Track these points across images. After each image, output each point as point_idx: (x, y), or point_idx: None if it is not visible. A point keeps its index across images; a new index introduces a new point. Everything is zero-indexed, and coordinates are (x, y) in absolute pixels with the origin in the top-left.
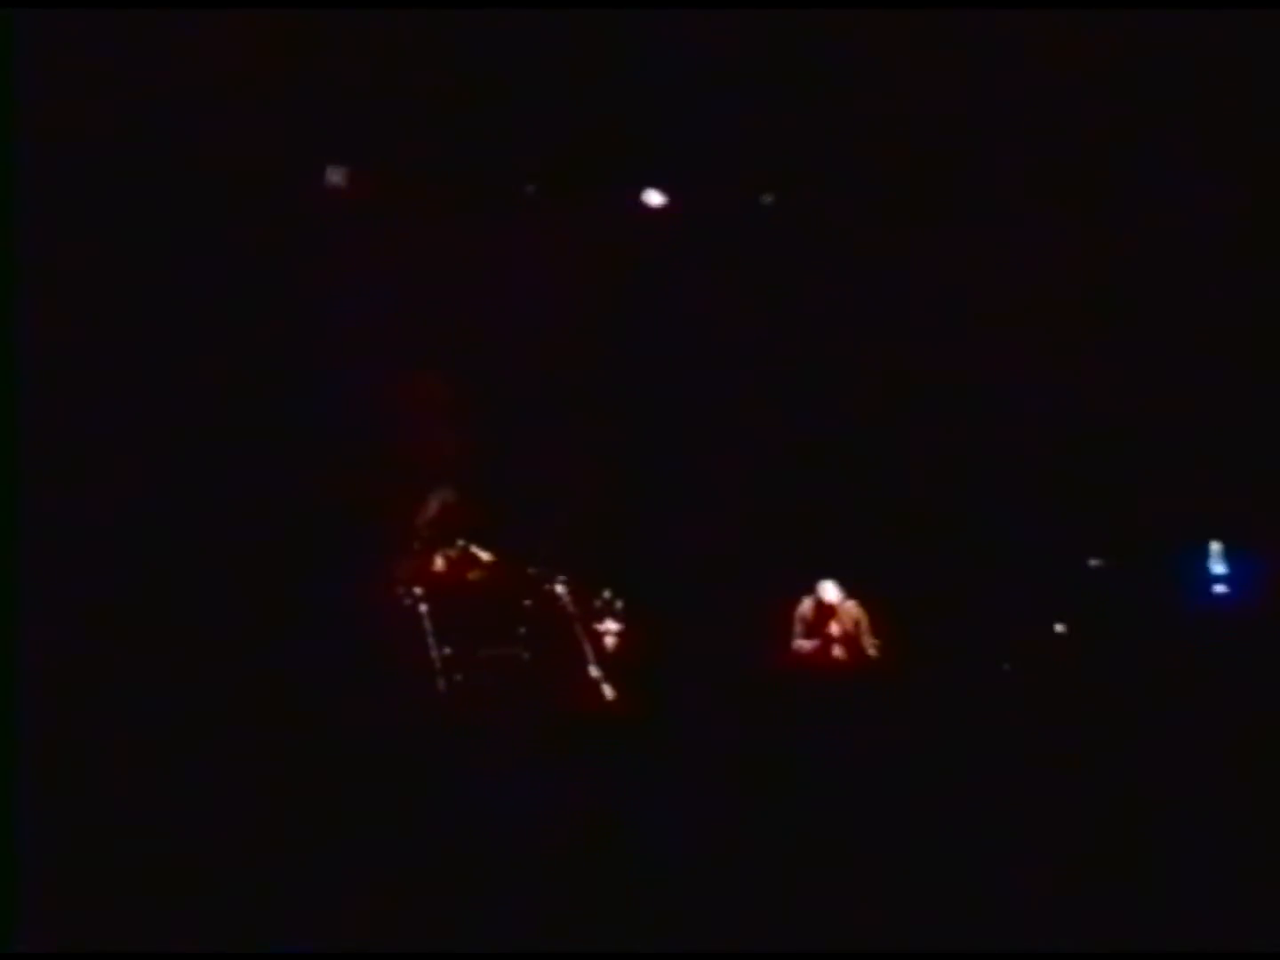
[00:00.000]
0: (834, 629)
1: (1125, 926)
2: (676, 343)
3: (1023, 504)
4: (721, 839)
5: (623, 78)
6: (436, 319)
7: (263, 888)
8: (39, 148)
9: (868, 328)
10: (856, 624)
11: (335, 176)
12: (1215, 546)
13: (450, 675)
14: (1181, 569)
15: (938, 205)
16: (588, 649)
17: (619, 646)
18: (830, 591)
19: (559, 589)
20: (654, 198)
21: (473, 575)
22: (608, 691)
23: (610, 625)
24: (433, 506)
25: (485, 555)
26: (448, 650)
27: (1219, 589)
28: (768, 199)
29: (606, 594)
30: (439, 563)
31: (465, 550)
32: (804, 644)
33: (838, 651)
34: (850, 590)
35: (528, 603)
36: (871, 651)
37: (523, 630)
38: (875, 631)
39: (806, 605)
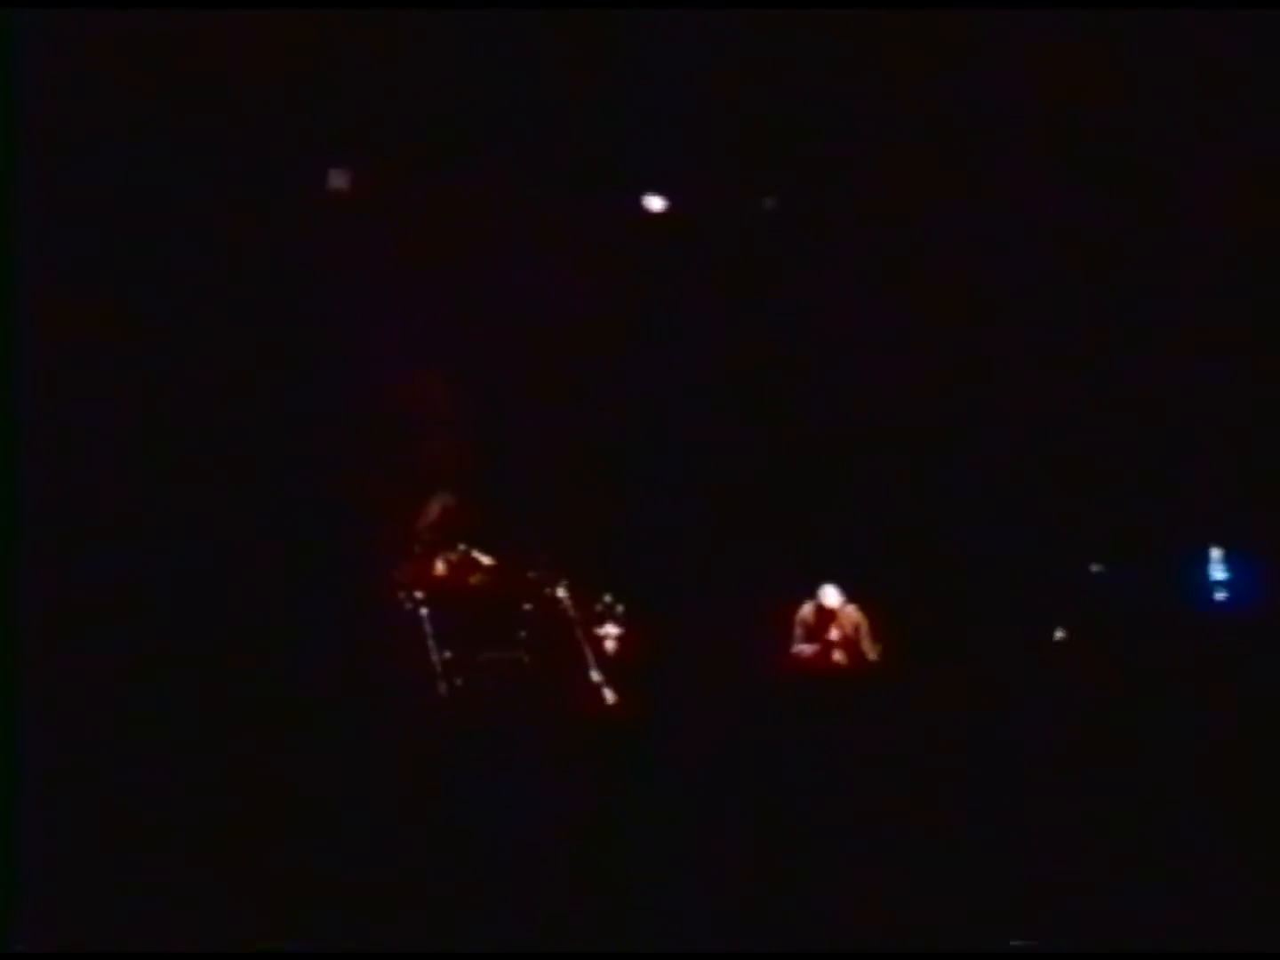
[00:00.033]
0: (834, 634)
1: (1126, 928)
2: (677, 347)
3: (1024, 510)
4: (722, 842)
5: (622, 81)
6: (437, 323)
7: (264, 889)
8: (39, 148)
9: (869, 333)
10: (857, 629)
11: (338, 180)
12: (1216, 552)
13: (451, 679)
14: (1182, 575)
15: (936, 208)
16: (588, 653)
17: (619, 650)
18: (831, 596)
19: (560, 593)
20: (655, 202)
21: (473, 579)
22: (608, 695)
23: (611, 629)
24: (433, 510)
25: (486, 559)
26: (448, 654)
27: (1219, 595)
28: (770, 203)
29: (607, 598)
30: (440, 566)
31: (466, 554)
32: (804, 648)
33: (838, 656)
34: (851, 595)
35: (528, 607)
36: (872, 656)
37: (523, 634)
38: (876, 636)
39: (807, 610)
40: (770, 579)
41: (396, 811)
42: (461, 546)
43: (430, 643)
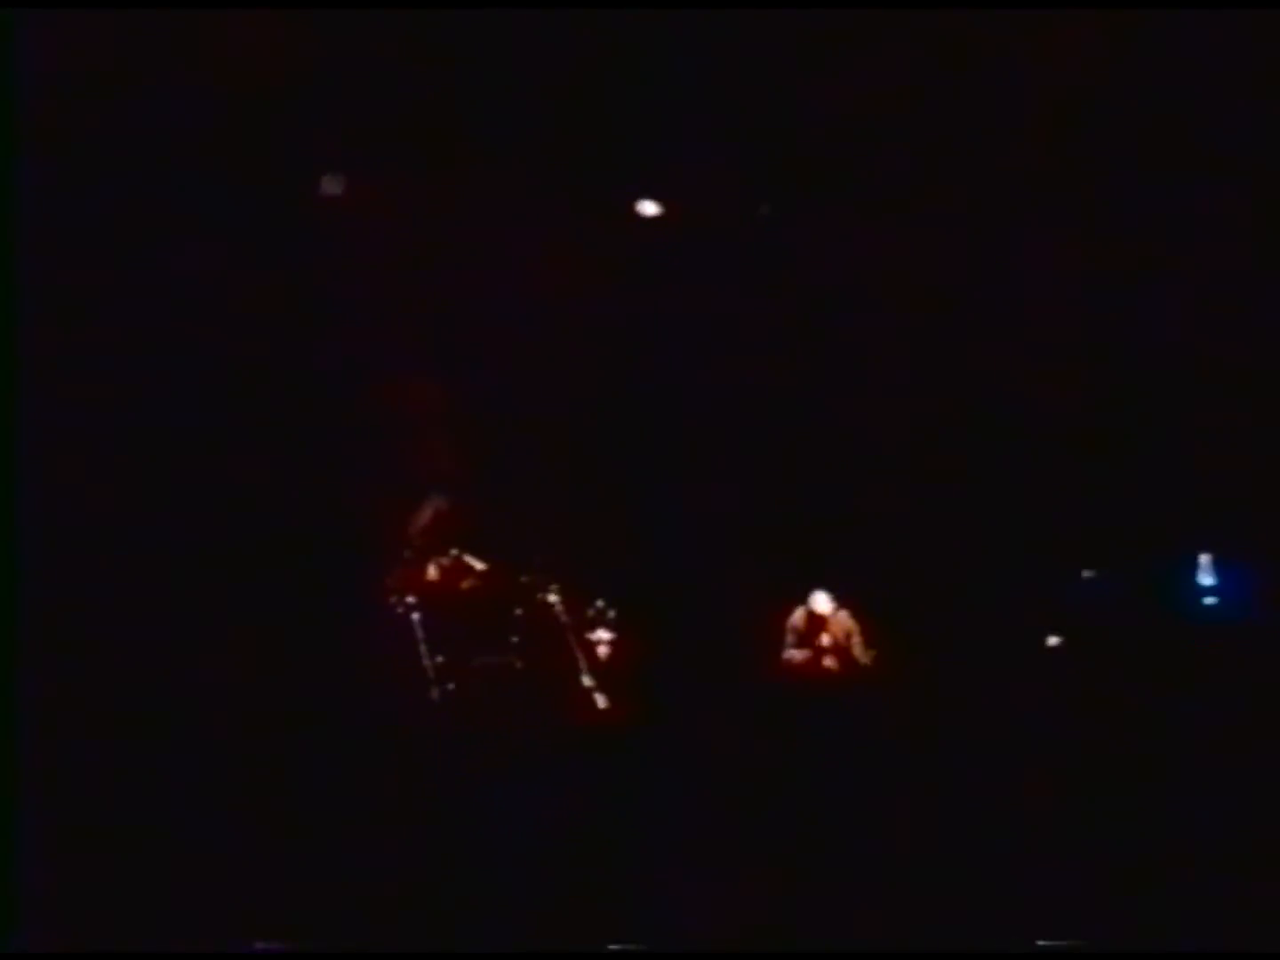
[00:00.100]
0: (825, 640)
1: (1118, 931)
2: (671, 353)
3: (1015, 516)
4: (713, 847)
5: (617, 84)
6: (430, 327)
7: (260, 891)
8: (38, 149)
9: (860, 341)
10: (848, 635)
11: (332, 185)
12: (1205, 558)
13: (443, 684)
14: (1172, 580)
15: (932, 213)
16: (580, 658)
17: (611, 656)
18: (822, 602)
19: (552, 598)
20: (649, 207)
21: (466, 584)
22: (600, 701)
23: (603, 634)
24: (426, 515)
25: (478, 563)
26: (440, 659)
27: (1209, 600)
28: (764, 210)
29: (599, 603)
30: (432, 571)
31: (458, 559)
32: (795, 654)
33: (829, 662)
34: (842, 601)
35: (520, 611)
36: (863, 662)
37: (515, 639)
38: (867, 642)
39: (798, 616)
40: (762, 585)
41: (389, 816)
42: (454, 551)
43: (422, 647)
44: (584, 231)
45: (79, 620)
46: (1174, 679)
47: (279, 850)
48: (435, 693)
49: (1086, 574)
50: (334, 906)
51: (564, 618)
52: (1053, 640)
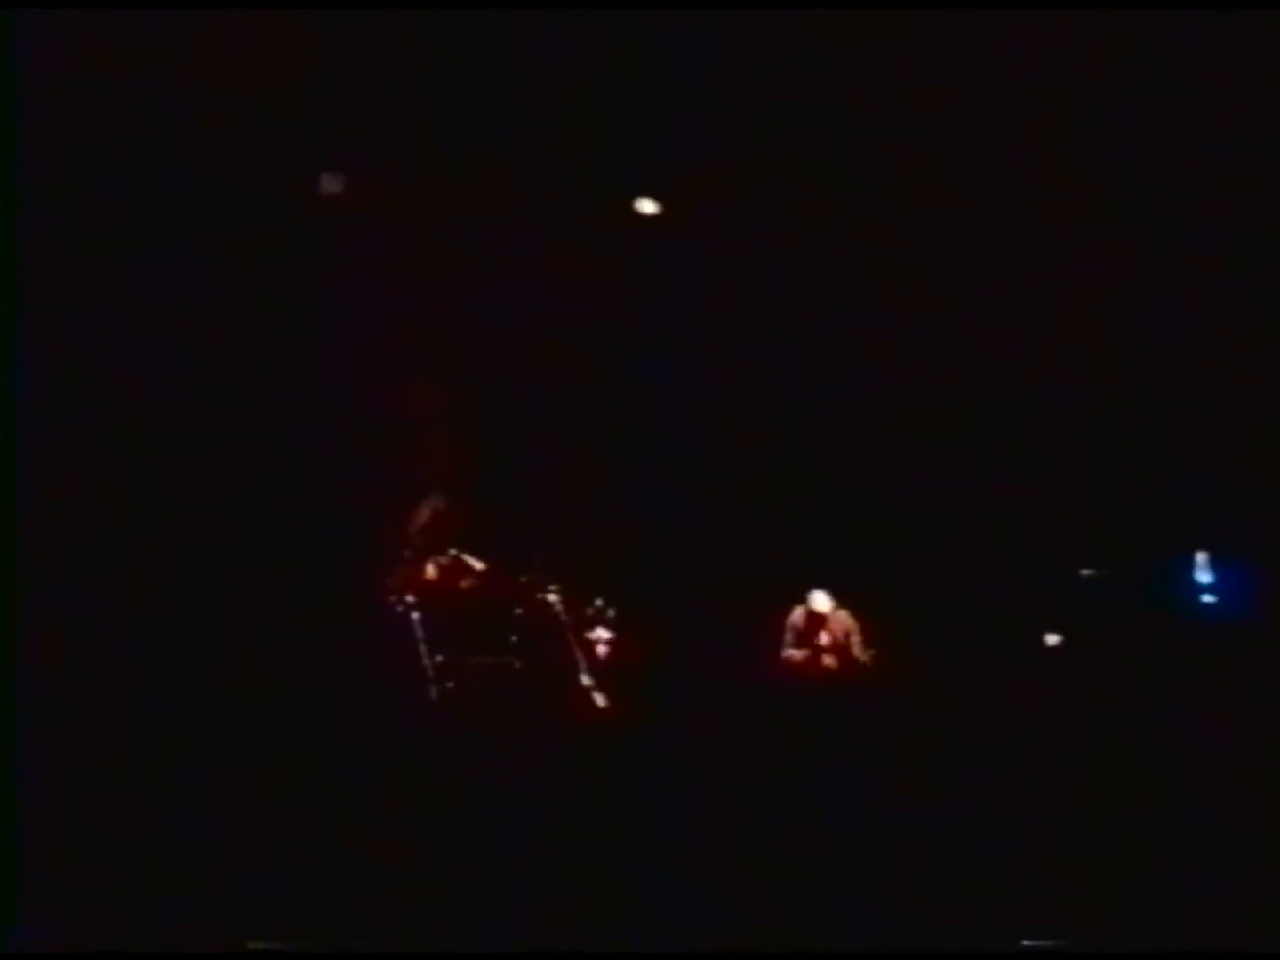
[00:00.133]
0: (825, 638)
1: (1112, 929)
2: (668, 352)
3: (1013, 515)
4: (712, 847)
5: (617, 84)
6: (428, 327)
7: (259, 891)
8: (37, 149)
9: (858, 339)
10: (847, 634)
11: (330, 184)
12: (1201, 556)
13: (442, 683)
14: (1169, 579)
15: (932, 213)
16: (579, 657)
17: (611, 655)
18: (821, 601)
19: (551, 597)
20: (647, 205)
21: (464, 583)
22: (599, 700)
23: (602, 634)
24: (424, 514)
25: (477, 563)
26: (439, 658)
27: (1206, 598)
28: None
29: (598, 602)
30: (430, 571)
31: (457, 558)
32: (795, 653)
33: (828, 661)
34: (841, 600)
35: (519, 611)
36: (862, 661)
37: (514, 638)
38: (866, 641)
39: (797, 615)
40: (761, 584)
41: (388, 815)
42: (452, 550)
43: (421, 647)
44: (583, 231)
45: (79, 620)
46: (1171, 677)
47: (278, 850)
48: (434, 692)
49: (1085, 572)
50: (333, 906)
51: (563, 617)
52: (1051, 639)
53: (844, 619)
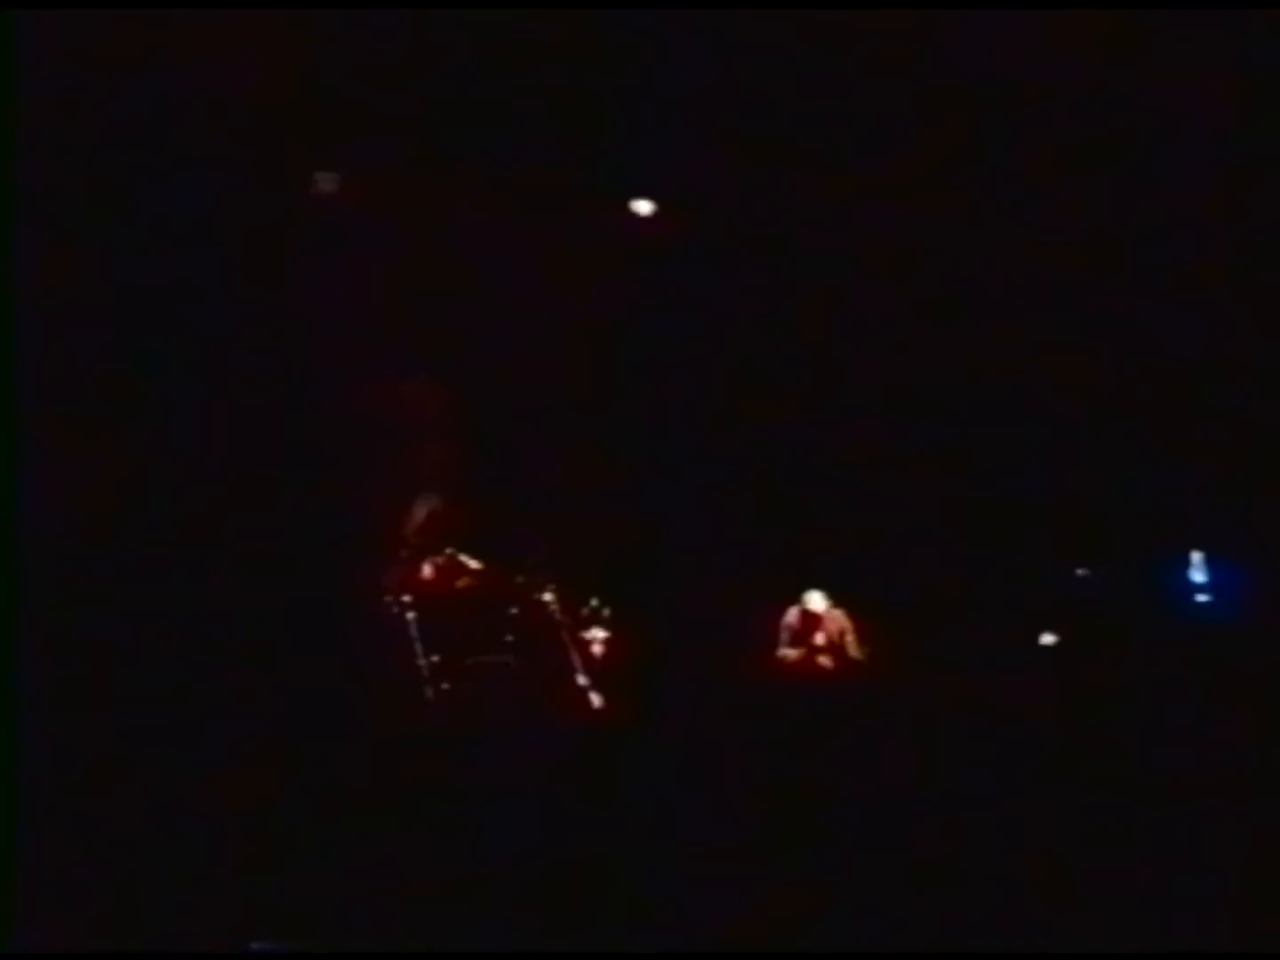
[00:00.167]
0: (820, 638)
1: (1112, 933)
2: (664, 352)
3: (1009, 514)
4: (707, 845)
5: (615, 85)
6: (425, 328)
7: (258, 891)
8: (35, 149)
9: (854, 340)
10: (842, 633)
11: (325, 184)
12: (1196, 556)
13: (438, 683)
14: (1164, 578)
15: (931, 212)
16: (575, 657)
17: (606, 654)
18: (816, 600)
19: (547, 597)
20: (643, 206)
21: (460, 583)
22: (595, 699)
23: (598, 633)
24: (420, 514)
25: (473, 563)
26: (435, 658)
27: (1200, 597)
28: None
29: (594, 602)
30: (427, 570)
31: (453, 558)
32: (790, 652)
33: (823, 660)
34: (836, 599)
35: (515, 610)
36: (857, 660)
37: (510, 638)
38: (861, 640)
39: (793, 614)
40: (756, 583)
41: (385, 814)
42: (449, 550)
43: (417, 646)
44: (581, 231)
45: (78, 619)
46: (1166, 676)
47: (277, 850)
48: (430, 692)
49: (1080, 571)
50: (332, 906)
51: (559, 616)
52: (1046, 638)
53: (839, 618)
